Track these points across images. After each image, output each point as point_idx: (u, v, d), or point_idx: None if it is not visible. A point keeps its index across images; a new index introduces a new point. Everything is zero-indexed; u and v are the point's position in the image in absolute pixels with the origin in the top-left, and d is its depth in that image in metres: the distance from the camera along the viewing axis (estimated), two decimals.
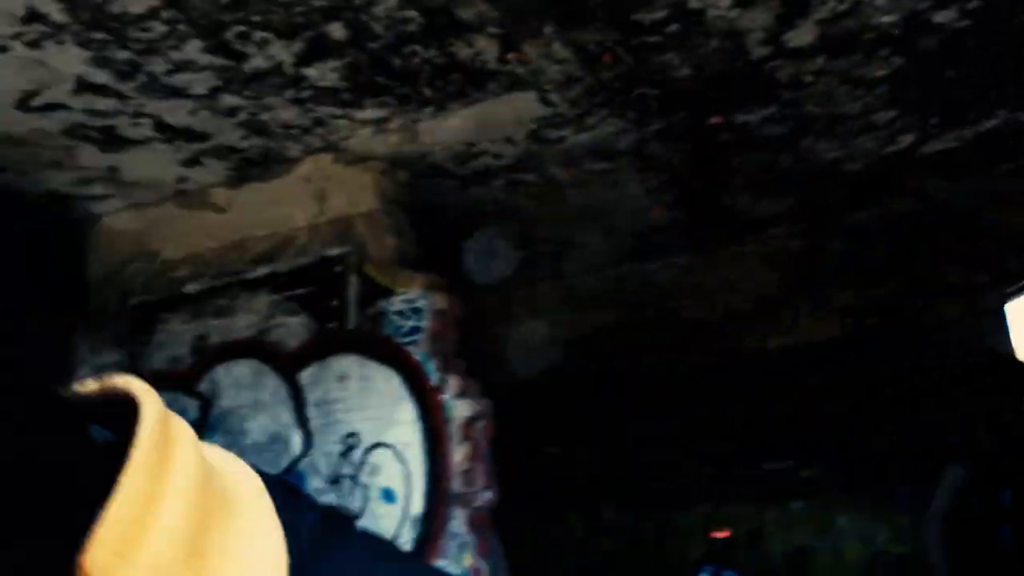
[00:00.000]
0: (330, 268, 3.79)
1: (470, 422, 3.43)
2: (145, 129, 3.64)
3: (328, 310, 3.74)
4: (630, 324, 5.73)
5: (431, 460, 3.39)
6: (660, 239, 5.27)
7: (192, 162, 3.94)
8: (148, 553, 0.45)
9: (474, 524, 3.36)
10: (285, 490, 0.63)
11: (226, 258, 4.03)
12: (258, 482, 0.57)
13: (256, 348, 3.84)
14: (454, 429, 3.40)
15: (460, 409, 3.42)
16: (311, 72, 3.26)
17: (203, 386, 3.94)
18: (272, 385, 3.78)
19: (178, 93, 3.38)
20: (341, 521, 0.74)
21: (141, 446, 0.48)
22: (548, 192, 4.53)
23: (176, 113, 3.53)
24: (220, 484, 0.53)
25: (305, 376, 3.73)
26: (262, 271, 3.93)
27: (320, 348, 3.71)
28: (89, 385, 0.56)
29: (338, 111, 3.57)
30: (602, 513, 5.48)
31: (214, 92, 3.38)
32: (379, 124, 3.70)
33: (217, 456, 0.58)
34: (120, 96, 3.38)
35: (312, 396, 3.69)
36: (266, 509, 0.55)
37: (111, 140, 3.72)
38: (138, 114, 3.52)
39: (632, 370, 5.67)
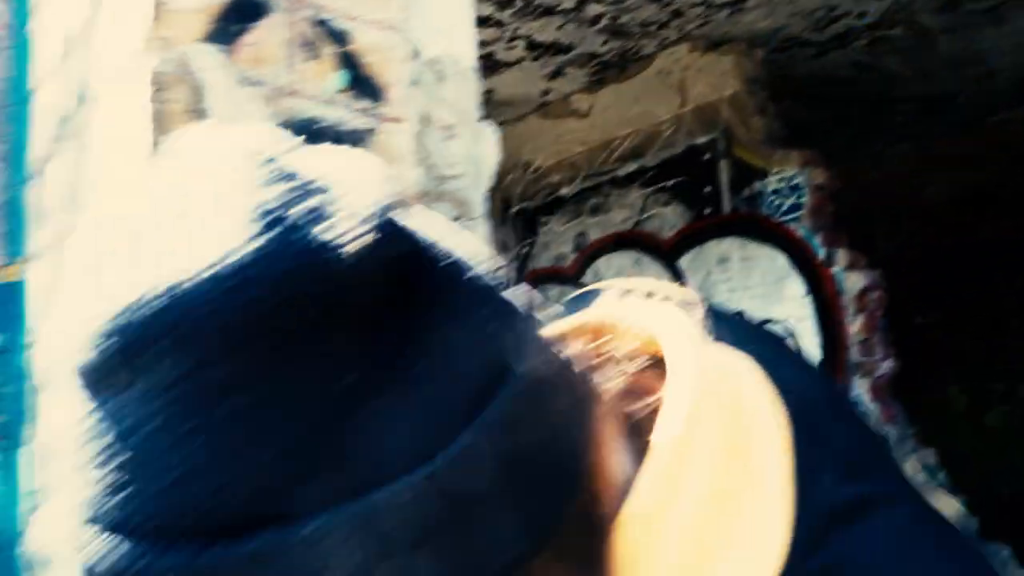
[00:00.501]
0: (698, 157, 3.90)
1: (863, 293, 3.41)
2: (518, 50, 3.97)
3: (701, 197, 3.88)
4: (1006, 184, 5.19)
5: (826, 333, 3.44)
6: None
7: (555, 74, 4.23)
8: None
9: (876, 393, 3.39)
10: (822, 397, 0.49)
11: (595, 159, 4.31)
12: (779, 416, 0.42)
13: (635, 239, 4.11)
14: (848, 301, 3.41)
15: (852, 280, 3.41)
16: None
17: (587, 279, 4.33)
18: (653, 272, 4.04)
19: (549, 11, 3.63)
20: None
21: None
22: (914, 46, 4.19)
23: (545, 31, 3.80)
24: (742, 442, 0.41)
25: (684, 262, 3.93)
26: (631, 167, 4.15)
27: (697, 234, 3.88)
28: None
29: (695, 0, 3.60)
30: (988, 385, 5.16)
31: (581, 4, 3.58)
32: (735, 5, 3.67)
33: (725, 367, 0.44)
34: (499, 24, 3.71)
35: (693, 280, 3.89)
36: (784, 469, 0.40)
37: (487, 66, 4.11)
38: (512, 38, 3.84)
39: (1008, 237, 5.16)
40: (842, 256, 3.43)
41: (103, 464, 0.31)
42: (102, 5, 0.96)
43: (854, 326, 3.38)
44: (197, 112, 0.81)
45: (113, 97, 0.81)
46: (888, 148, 5.40)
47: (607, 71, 4.23)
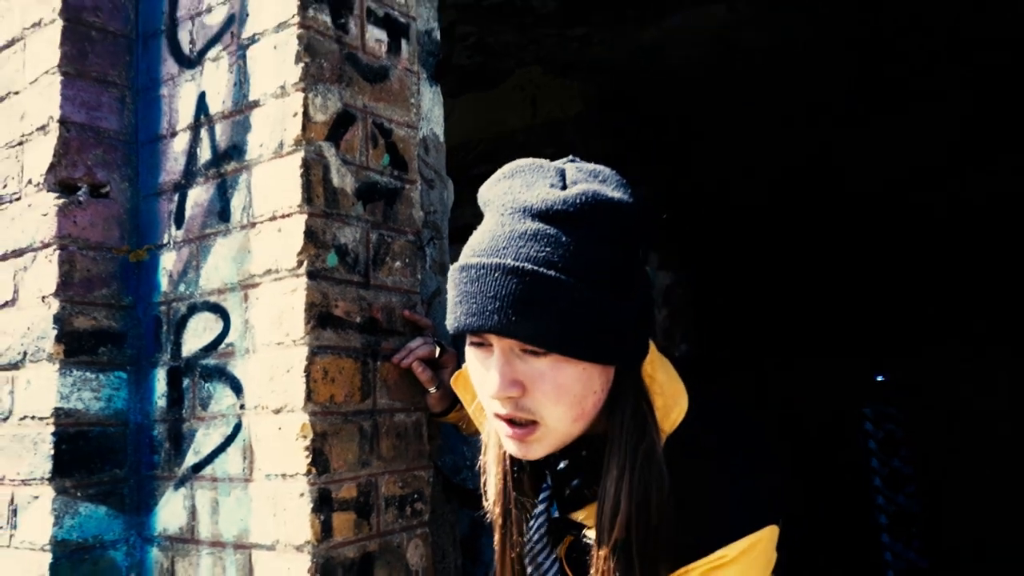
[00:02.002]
0: None
1: (670, 289, 4.25)
2: None
3: None
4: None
5: None
6: None
7: None
8: None
9: None
10: None
11: (452, 158, 4.87)
12: None
13: None
14: (656, 295, 4.23)
15: (661, 278, 4.23)
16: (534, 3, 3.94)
17: None
18: None
19: None
20: None
21: None
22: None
23: None
24: None
25: None
26: (484, 168, 4.76)
27: None
28: None
29: (552, 31, 4.25)
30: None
31: (452, 25, 4.11)
32: (583, 39, 4.35)
33: None
34: None
35: None
36: None
37: None
38: None
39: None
40: (654, 257, 4.23)
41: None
42: (268, 118, 1.42)
43: (660, 316, 4.21)
44: (326, 180, 1.30)
45: (275, 169, 1.27)
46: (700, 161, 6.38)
47: (469, 80, 4.79)
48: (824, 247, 6.02)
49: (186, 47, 1.48)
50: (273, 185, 1.30)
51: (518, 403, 0.91)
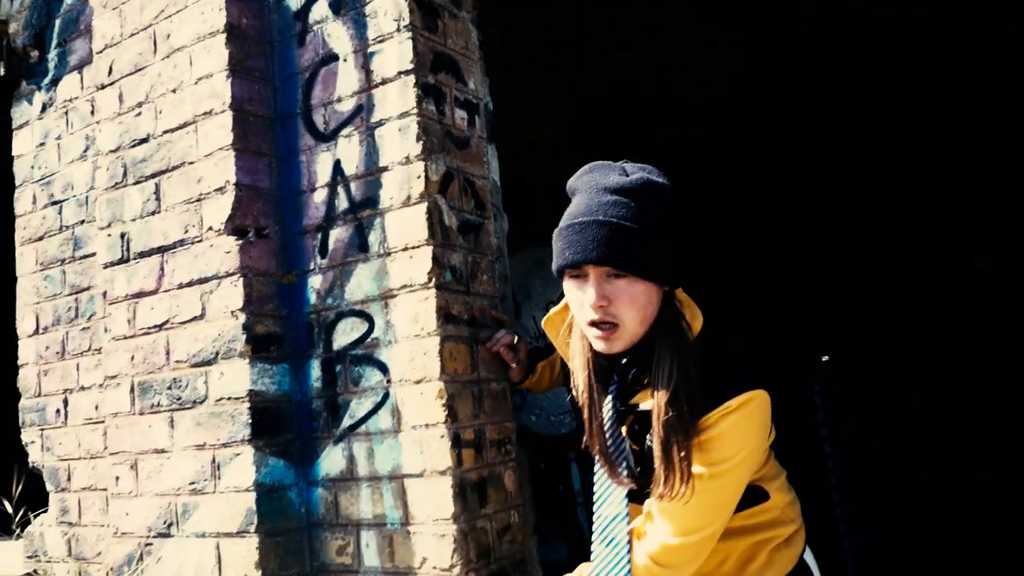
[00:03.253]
0: (521, 181, 5.15)
1: None
2: None
3: (522, 211, 5.13)
4: None
5: None
6: None
7: None
8: None
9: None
10: None
11: None
12: None
13: None
14: None
15: None
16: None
17: None
18: None
19: None
20: None
21: None
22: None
23: None
24: None
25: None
26: None
27: (518, 242, 5.13)
28: None
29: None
30: None
31: None
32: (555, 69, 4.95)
33: None
34: None
35: (515, 276, 5.13)
36: None
37: None
38: None
39: None
40: None
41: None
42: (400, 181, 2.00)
43: None
44: (441, 222, 1.86)
45: (404, 214, 1.85)
46: None
47: None
48: (775, 254, 6.75)
49: (321, 126, 2.04)
50: (403, 226, 1.88)
51: (606, 311, 1.40)
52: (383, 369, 1.89)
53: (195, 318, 2.03)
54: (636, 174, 1.43)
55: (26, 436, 2.69)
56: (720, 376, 1.40)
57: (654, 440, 1.40)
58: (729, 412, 1.36)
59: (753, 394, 1.37)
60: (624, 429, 1.50)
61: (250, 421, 1.91)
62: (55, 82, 2.71)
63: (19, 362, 2.74)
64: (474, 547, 1.79)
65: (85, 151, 2.61)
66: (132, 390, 2.14)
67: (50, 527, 2.58)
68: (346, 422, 1.94)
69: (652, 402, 1.41)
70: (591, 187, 1.43)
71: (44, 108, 2.74)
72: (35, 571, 2.57)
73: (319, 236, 2.02)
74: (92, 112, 2.58)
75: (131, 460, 2.13)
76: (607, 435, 1.51)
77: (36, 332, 2.70)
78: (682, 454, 1.36)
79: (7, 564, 2.68)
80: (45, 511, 2.64)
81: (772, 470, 1.62)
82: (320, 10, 2.07)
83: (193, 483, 1.99)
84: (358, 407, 1.93)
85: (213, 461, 1.96)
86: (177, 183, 2.10)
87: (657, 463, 1.39)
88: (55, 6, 2.73)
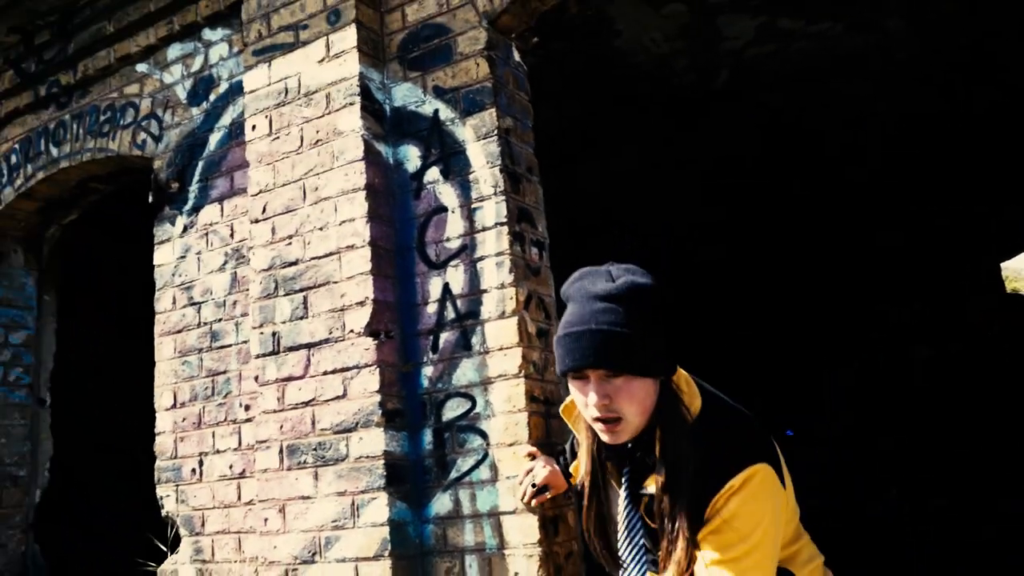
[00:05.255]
0: None
1: None
2: None
3: None
4: None
5: None
6: None
7: None
8: None
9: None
10: None
11: None
12: None
13: None
14: None
15: None
16: None
17: None
18: None
19: None
20: None
21: None
22: None
23: None
24: None
25: None
26: None
27: None
28: None
29: None
30: None
31: None
32: None
33: None
34: None
35: None
36: None
37: None
38: None
39: None
40: None
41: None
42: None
43: None
44: (527, 330, 2.61)
45: (500, 324, 2.59)
46: None
47: None
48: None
49: (432, 257, 2.81)
50: (499, 332, 2.64)
51: (608, 407, 1.50)
52: (483, 435, 2.62)
53: (338, 397, 2.75)
54: (622, 278, 1.52)
55: (161, 491, 3.33)
56: (720, 456, 1.47)
57: (658, 520, 1.53)
58: (734, 492, 1.45)
59: (754, 469, 1.45)
60: (641, 510, 1.62)
61: (384, 474, 2.61)
62: (196, 209, 3.46)
63: (156, 431, 3.40)
64: (552, 565, 2.49)
65: (224, 264, 3.34)
66: (281, 451, 2.83)
67: (183, 564, 3.21)
68: (453, 475, 2.65)
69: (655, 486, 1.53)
70: (582, 295, 1.53)
71: (185, 229, 3.49)
72: None
73: (431, 337, 2.77)
74: (231, 235, 3.33)
75: (279, 505, 2.80)
76: (623, 516, 1.62)
77: (173, 407, 3.37)
78: (685, 533, 1.47)
79: None
80: (175, 552, 3.26)
81: (803, 553, 1.64)
82: (432, 174, 2.87)
83: (335, 521, 2.68)
84: (463, 463, 2.64)
85: (353, 504, 2.65)
86: (322, 296, 2.85)
87: (663, 542, 1.51)
88: (197, 151, 3.51)
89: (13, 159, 4.23)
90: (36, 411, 4.28)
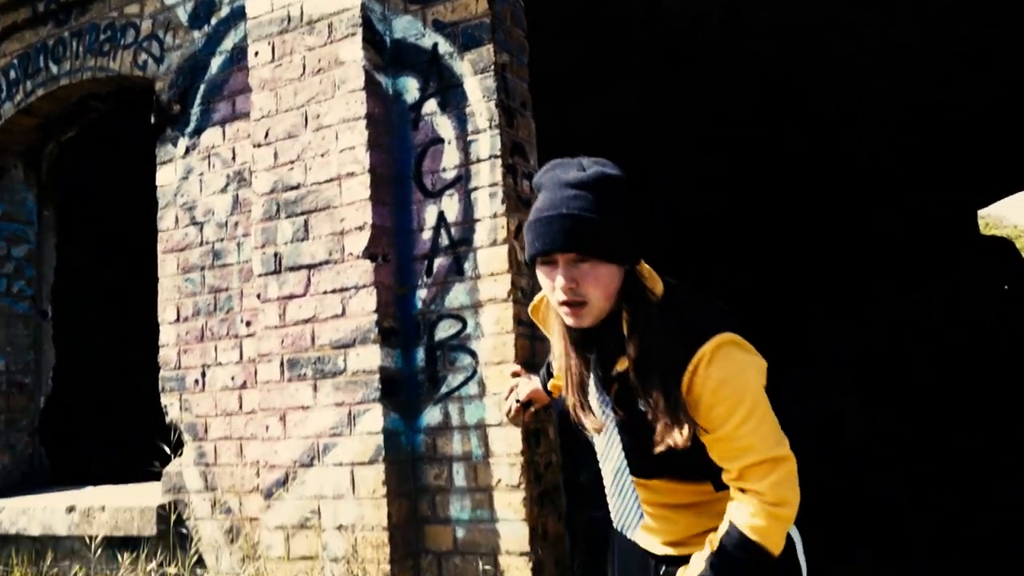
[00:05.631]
0: None
1: None
2: None
3: None
4: None
5: None
6: None
7: None
8: None
9: None
10: None
11: None
12: None
13: None
14: None
15: None
16: None
17: None
18: None
19: None
20: None
21: None
22: None
23: None
24: None
25: None
26: None
27: None
28: None
29: None
30: None
31: None
32: None
33: None
34: None
35: None
36: None
37: None
38: None
39: None
40: None
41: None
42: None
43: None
44: (516, 258, 2.77)
45: (492, 251, 2.76)
46: None
47: None
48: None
49: (429, 187, 2.96)
50: (491, 259, 2.81)
51: (574, 291, 1.51)
52: (472, 355, 2.82)
53: (336, 315, 2.93)
54: (592, 168, 1.54)
55: (165, 399, 3.53)
56: (687, 326, 1.52)
57: (641, 396, 1.53)
58: (708, 361, 1.48)
59: (723, 336, 1.49)
60: (611, 394, 1.63)
61: (379, 387, 2.82)
62: (198, 132, 3.57)
63: (160, 343, 3.58)
64: (532, 473, 2.73)
65: (225, 186, 3.47)
66: (282, 364, 3.02)
67: (188, 467, 3.43)
68: (443, 390, 2.86)
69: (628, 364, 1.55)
70: (554, 183, 1.54)
71: (187, 151, 3.59)
72: (174, 501, 3.42)
73: (426, 262, 2.94)
74: (233, 158, 3.45)
75: (280, 414, 3.01)
76: (595, 402, 1.65)
77: (176, 321, 3.54)
78: (660, 406, 1.50)
79: (150, 496, 3.52)
80: (177, 456, 3.48)
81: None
82: (430, 106, 3.00)
83: (333, 428, 2.89)
84: (453, 380, 2.85)
85: (349, 414, 2.86)
86: (323, 220, 3.00)
87: (651, 417, 1.52)
88: (199, 74, 3.59)
89: (12, 74, 4.28)
90: (39, 322, 4.45)
